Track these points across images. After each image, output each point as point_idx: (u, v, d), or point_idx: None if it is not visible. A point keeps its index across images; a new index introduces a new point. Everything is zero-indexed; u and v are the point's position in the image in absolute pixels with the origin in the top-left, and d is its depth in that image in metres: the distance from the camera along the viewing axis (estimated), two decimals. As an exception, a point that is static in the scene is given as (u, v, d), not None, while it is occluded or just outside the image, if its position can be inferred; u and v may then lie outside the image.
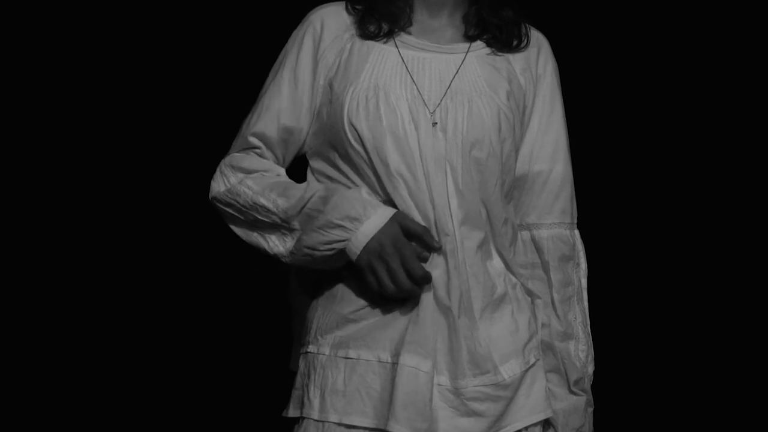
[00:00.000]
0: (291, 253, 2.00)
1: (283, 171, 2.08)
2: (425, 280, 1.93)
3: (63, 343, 3.34)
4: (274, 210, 2.00)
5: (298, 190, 2.00)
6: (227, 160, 2.09)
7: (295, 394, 2.07)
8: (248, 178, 2.04)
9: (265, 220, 2.02)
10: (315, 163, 2.08)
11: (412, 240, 1.95)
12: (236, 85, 2.75)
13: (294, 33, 2.09)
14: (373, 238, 1.93)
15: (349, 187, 2.00)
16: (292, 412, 2.06)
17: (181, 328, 3.37)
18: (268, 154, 2.08)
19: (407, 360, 1.94)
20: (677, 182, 3.41)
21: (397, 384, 1.94)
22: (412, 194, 1.97)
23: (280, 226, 2.01)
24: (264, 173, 2.06)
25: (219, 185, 2.07)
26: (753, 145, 3.40)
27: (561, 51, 2.19)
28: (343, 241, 1.94)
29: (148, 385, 3.36)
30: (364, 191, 1.98)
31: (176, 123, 3.33)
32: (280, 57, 2.09)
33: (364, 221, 1.94)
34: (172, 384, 3.36)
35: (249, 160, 2.07)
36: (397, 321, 1.97)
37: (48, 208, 3.32)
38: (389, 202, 1.98)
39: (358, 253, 1.93)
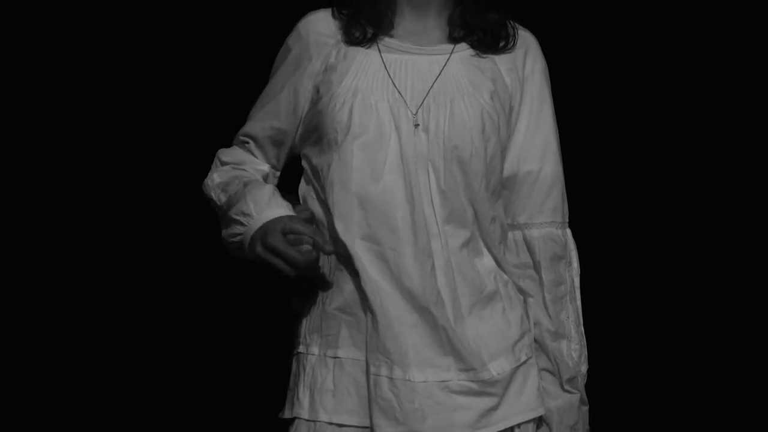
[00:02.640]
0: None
1: (254, 165, 2.17)
2: (309, 265, 1.96)
3: (62, 343, 3.35)
4: (219, 204, 2.11)
5: (234, 185, 2.09)
6: (218, 152, 2.21)
7: (289, 395, 2.10)
8: (216, 170, 2.16)
9: (217, 212, 2.13)
10: (304, 163, 2.12)
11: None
12: (236, 84, 2.77)
13: (285, 41, 2.14)
14: (256, 232, 1.99)
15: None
16: (287, 413, 2.08)
17: (181, 328, 3.38)
18: (257, 151, 2.17)
19: (372, 369, 1.98)
20: (671, 180, 3.39)
21: (368, 393, 1.98)
22: (370, 195, 1.99)
23: (222, 218, 2.11)
24: (235, 166, 2.16)
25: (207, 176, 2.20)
26: (744, 143, 3.38)
27: (552, 50, 2.19)
28: (241, 234, 2.02)
29: (148, 385, 3.36)
30: (269, 189, 2.04)
31: (175, 123, 3.34)
32: (275, 64, 2.16)
33: (254, 216, 2.00)
34: (172, 384, 3.37)
35: (231, 153, 2.18)
36: (371, 323, 1.99)
37: (47, 207, 3.33)
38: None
39: (247, 248, 2.01)
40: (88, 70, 3.33)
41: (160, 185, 3.34)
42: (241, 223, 2.02)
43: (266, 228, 1.97)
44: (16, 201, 3.31)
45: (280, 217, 1.98)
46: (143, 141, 3.36)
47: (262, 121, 2.14)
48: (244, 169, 2.15)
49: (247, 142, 2.17)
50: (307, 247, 1.95)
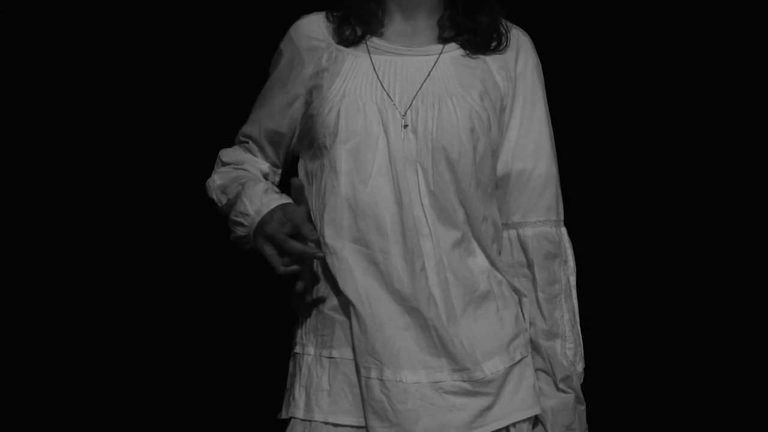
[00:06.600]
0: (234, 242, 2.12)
1: (254, 163, 2.19)
2: (296, 253, 1.96)
3: (62, 343, 3.36)
4: (220, 207, 2.14)
5: (233, 188, 2.12)
6: (219, 152, 2.23)
7: (286, 395, 2.11)
8: (217, 172, 2.18)
9: (222, 214, 2.15)
10: (300, 169, 2.13)
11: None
12: (236, 85, 2.78)
13: (279, 45, 2.16)
14: (256, 228, 2.01)
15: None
16: (283, 413, 2.09)
17: (181, 328, 3.39)
18: (256, 151, 2.19)
19: (362, 371, 1.98)
20: (669, 178, 3.38)
21: (361, 395, 1.98)
22: (358, 198, 1.99)
23: (228, 222, 2.12)
24: (235, 166, 2.18)
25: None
26: (742, 142, 3.37)
27: (547, 49, 2.18)
28: (246, 235, 2.04)
29: (148, 386, 3.38)
30: (262, 185, 2.06)
31: (177, 124, 3.35)
32: (271, 66, 2.17)
33: (252, 215, 2.03)
34: (172, 384, 3.38)
35: (231, 154, 2.20)
36: (358, 326, 1.99)
37: (47, 208, 3.34)
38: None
39: (256, 246, 2.02)
40: (89, 71, 3.34)
41: (162, 186, 3.35)
42: (242, 224, 2.04)
43: (263, 220, 1.99)
44: (17, 201, 3.32)
45: (275, 208, 2.00)
46: (145, 141, 3.38)
47: (259, 122, 2.16)
48: (244, 169, 2.17)
49: (246, 142, 2.19)
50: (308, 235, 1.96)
